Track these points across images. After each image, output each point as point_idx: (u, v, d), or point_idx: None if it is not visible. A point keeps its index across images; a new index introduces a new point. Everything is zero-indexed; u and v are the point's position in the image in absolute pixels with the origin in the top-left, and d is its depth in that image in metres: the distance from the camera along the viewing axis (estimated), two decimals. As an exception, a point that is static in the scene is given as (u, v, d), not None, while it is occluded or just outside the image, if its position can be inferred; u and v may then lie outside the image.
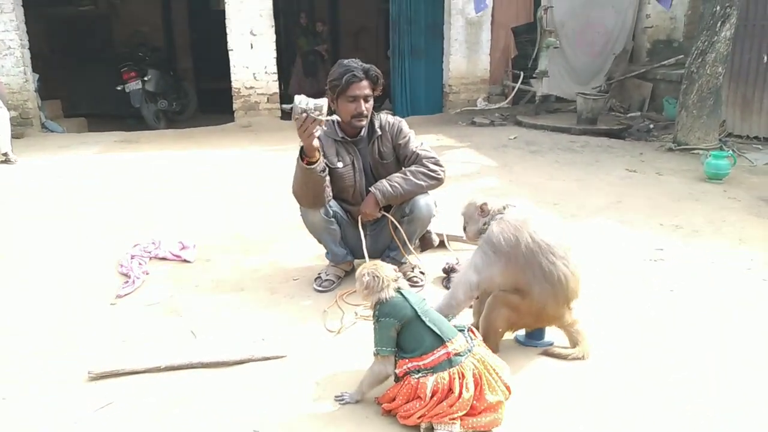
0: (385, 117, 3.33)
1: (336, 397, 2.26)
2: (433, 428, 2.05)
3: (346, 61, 3.18)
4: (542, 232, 2.44)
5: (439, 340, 2.14)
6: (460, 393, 2.07)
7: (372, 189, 3.18)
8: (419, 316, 2.17)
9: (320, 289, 3.30)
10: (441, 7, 9.83)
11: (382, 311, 2.17)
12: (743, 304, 3.06)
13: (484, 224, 2.53)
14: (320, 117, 2.80)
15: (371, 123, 3.27)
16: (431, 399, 2.06)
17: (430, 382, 2.07)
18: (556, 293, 2.44)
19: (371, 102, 3.20)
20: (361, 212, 3.24)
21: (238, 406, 2.28)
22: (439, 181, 3.23)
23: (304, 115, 2.79)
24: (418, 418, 2.07)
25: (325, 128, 3.23)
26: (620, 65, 9.75)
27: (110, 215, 4.64)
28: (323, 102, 2.82)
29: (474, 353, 2.19)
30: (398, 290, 2.22)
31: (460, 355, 2.14)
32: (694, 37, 7.00)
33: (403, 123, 3.32)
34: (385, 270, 2.24)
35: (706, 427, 2.10)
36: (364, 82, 3.12)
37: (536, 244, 2.40)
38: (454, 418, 2.04)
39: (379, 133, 3.25)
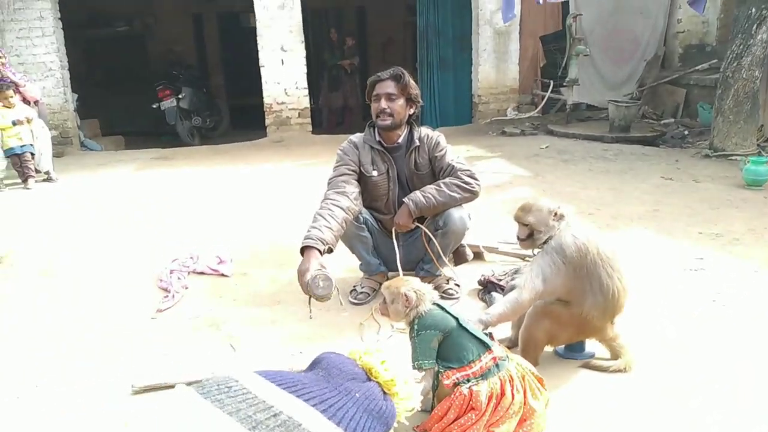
0: (425, 130, 3.35)
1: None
2: None
3: (383, 70, 3.27)
4: (604, 244, 2.42)
5: (484, 346, 2.14)
6: (513, 396, 2.06)
7: (405, 200, 3.20)
8: (462, 325, 2.16)
9: (355, 301, 3.32)
10: (469, 17, 9.84)
11: (422, 324, 2.16)
12: (790, 314, 2.97)
13: (557, 230, 2.43)
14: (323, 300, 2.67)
15: (410, 134, 3.29)
16: (487, 406, 2.04)
17: (484, 388, 2.05)
18: (606, 306, 2.41)
19: (399, 103, 3.20)
20: (394, 223, 3.26)
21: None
22: (473, 194, 3.23)
23: (324, 299, 2.65)
24: (477, 430, 2.02)
25: (352, 141, 3.32)
26: (652, 71, 9.61)
27: (149, 231, 4.74)
28: (333, 285, 2.64)
29: (511, 358, 2.19)
30: (434, 303, 2.23)
31: (504, 360, 2.14)
32: (727, 41, 6.88)
33: (441, 137, 3.33)
34: (418, 284, 2.25)
35: (755, 442, 2.05)
36: (388, 81, 3.18)
37: (600, 256, 2.37)
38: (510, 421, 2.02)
39: (417, 144, 3.27)
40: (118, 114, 11.29)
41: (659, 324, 2.92)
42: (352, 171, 3.26)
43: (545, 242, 2.44)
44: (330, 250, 2.90)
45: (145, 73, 11.92)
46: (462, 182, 3.20)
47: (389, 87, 3.18)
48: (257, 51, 9.24)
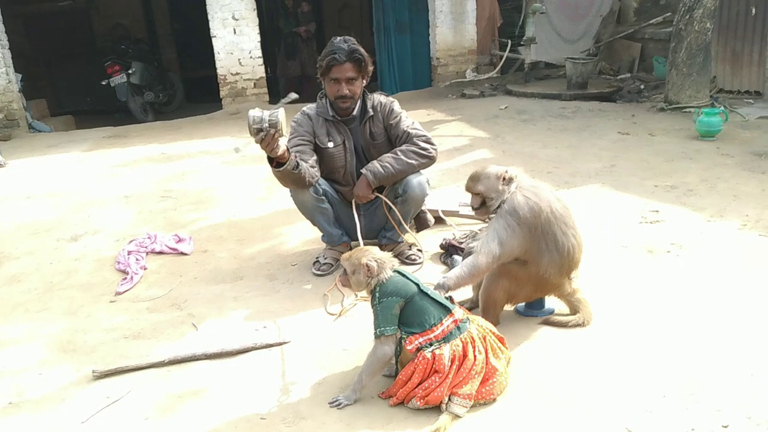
0: (378, 97, 3.31)
1: (330, 403, 2.17)
2: (450, 401, 2.06)
3: (336, 40, 3.15)
4: (556, 201, 2.43)
5: (445, 310, 2.16)
6: (475, 357, 2.10)
7: (363, 171, 3.17)
8: (423, 290, 2.17)
9: (319, 273, 3.30)
10: (424, -21, 9.69)
11: (383, 291, 2.16)
12: (740, 262, 3.07)
13: (507, 193, 2.43)
14: (278, 133, 2.69)
15: (363, 103, 3.24)
16: (450, 368, 2.07)
17: (446, 351, 2.08)
18: (562, 263, 2.45)
19: (358, 84, 3.16)
20: (354, 194, 3.23)
21: (243, 394, 2.30)
22: (430, 159, 3.21)
23: (262, 134, 2.68)
24: (441, 393, 2.06)
25: (305, 113, 3.23)
26: (608, 27, 9.64)
27: (104, 212, 4.62)
28: (279, 115, 2.69)
29: (472, 319, 2.22)
30: (394, 269, 2.22)
31: (465, 322, 2.16)
32: (680, -6, 6.91)
33: (395, 103, 3.30)
34: (378, 252, 2.24)
35: (701, 389, 2.12)
36: (347, 65, 3.08)
37: (553, 214, 2.39)
38: (473, 382, 2.07)
39: (371, 113, 3.23)
40: (66, 93, 10.88)
41: (616, 276, 2.99)
42: (307, 141, 3.21)
43: (499, 206, 2.45)
44: (295, 165, 2.92)
45: (92, 49, 11.46)
46: (419, 148, 3.18)
47: (349, 71, 3.10)
48: (208, 21, 8.95)
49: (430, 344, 2.11)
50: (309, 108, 3.30)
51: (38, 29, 11.39)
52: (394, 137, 3.25)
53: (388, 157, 3.17)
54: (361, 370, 2.20)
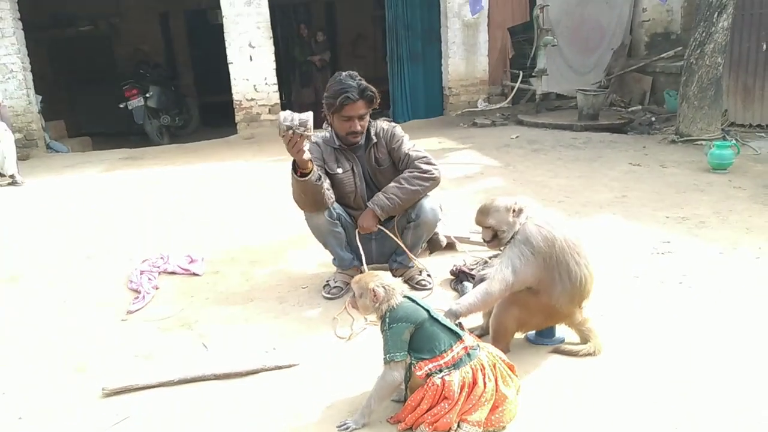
0: (380, 124, 3.36)
1: (338, 426, 2.15)
2: (459, 428, 2.05)
3: (342, 77, 3.17)
4: (569, 232, 2.44)
5: (455, 336, 2.16)
6: (485, 384, 2.09)
7: (370, 204, 3.22)
8: (433, 316, 2.18)
9: (329, 296, 3.31)
10: (437, 10, 9.85)
11: (393, 317, 2.16)
12: (753, 294, 3.05)
13: (519, 225, 2.44)
14: (306, 132, 2.79)
15: (367, 131, 3.29)
16: (460, 395, 2.06)
17: (456, 378, 2.07)
18: (574, 293, 2.45)
19: (367, 118, 3.22)
20: (359, 226, 3.27)
21: (252, 416, 2.29)
22: (434, 181, 3.24)
23: (290, 132, 2.78)
24: (450, 419, 2.04)
25: (314, 141, 3.26)
26: (619, 60, 9.74)
27: (118, 232, 4.67)
28: (308, 116, 2.80)
29: (482, 346, 2.21)
30: (404, 295, 2.23)
31: (475, 349, 2.16)
32: (691, 29, 6.99)
33: (396, 128, 3.34)
34: (388, 278, 2.25)
35: (715, 422, 2.10)
36: (359, 103, 3.12)
37: (567, 243, 2.40)
38: (482, 409, 2.06)
39: (375, 140, 3.29)
40: (85, 115, 11.08)
41: (628, 307, 2.98)
42: (319, 166, 3.25)
43: (512, 238, 2.46)
44: (318, 177, 3.03)
45: (111, 73, 11.70)
46: (420, 172, 3.20)
47: (361, 108, 3.15)
48: (225, 48, 9.14)
49: (440, 370, 2.10)
50: (317, 137, 3.33)
51: (60, 53, 11.68)
52: (396, 160, 3.29)
53: (392, 188, 3.19)
54: (370, 394, 2.19)
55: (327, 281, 3.42)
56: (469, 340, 2.19)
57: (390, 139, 3.29)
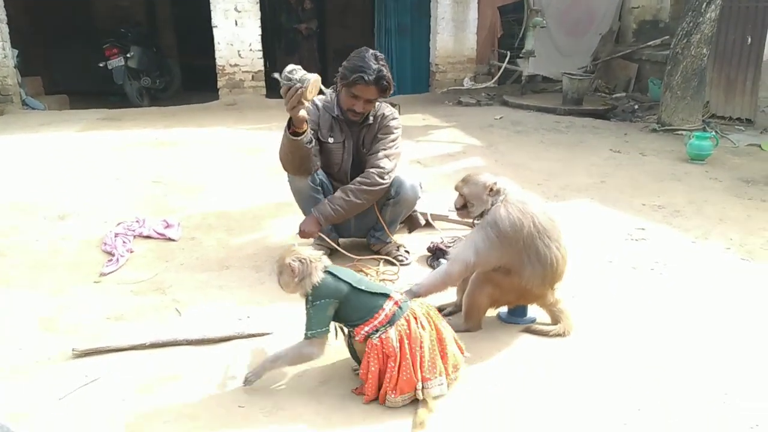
0: (383, 108, 3.30)
1: (245, 381, 2.21)
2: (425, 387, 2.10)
3: (368, 54, 3.10)
4: (541, 215, 2.46)
5: (384, 296, 2.19)
6: (420, 333, 2.14)
7: (314, 211, 3.19)
8: (355, 287, 2.18)
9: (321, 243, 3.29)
10: (428, -16, 9.74)
11: (316, 295, 2.15)
12: (722, 284, 3.12)
13: (491, 204, 2.47)
14: (302, 90, 2.76)
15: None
16: (402, 349, 2.10)
17: (392, 333, 2.12)
18: (545, 275, 2.48)
19: (374, 104, 3.18)
20: (300, 230, 3.24)
21: (223, 382, 2.30)
22: (377, 194, 3.21)
23: (288, 84, 2.76)
24: (408, 375, 2.08)
25: (314, 103, 3.22)
26: (606, 45, 9.75)
27: (93, 193, 4.60)
28: (311, 77, 2.77)
29: (413, 300, 2.29)
30: (326, 270, 2.21)
31: (406, 302, 2.21)
32: (680, 18, 7.01)
33: (393, 120, 3.29)
34: (307, 252, 2.22)
35: (676, 405, 2.16)
36: (372, 88, 3.07)
37: (536, 228, 2.42)
38: (433, 358, 2.14)
39: (370, 121, 3.26)
40: (62, 72, 10.77)
41: (600, 290, 3.03)
42: (312, 130, 3.22)
43: (482, 215, 2.49)
44: (309, 140, 3.03)
45: (91, 30, 11.37)
46: (369, 184, 3.16)
47: (372, 93, 3.10)
48: (210, 10, 8.94)
49: (376, 330, 2.13)
50: (320, 99, 3.29)
51: (38, 6, 11.30)
52: (372, 149, 3.27)
53: (339, 198, 3.16)
54: (278, 354, 2.22)
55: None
56: (397, 295, 2.23)
57: (381, 129, 3.26)
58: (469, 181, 2.55)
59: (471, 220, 2.61)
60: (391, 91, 3.17)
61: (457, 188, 2.59)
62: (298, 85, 2.75)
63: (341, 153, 3.29)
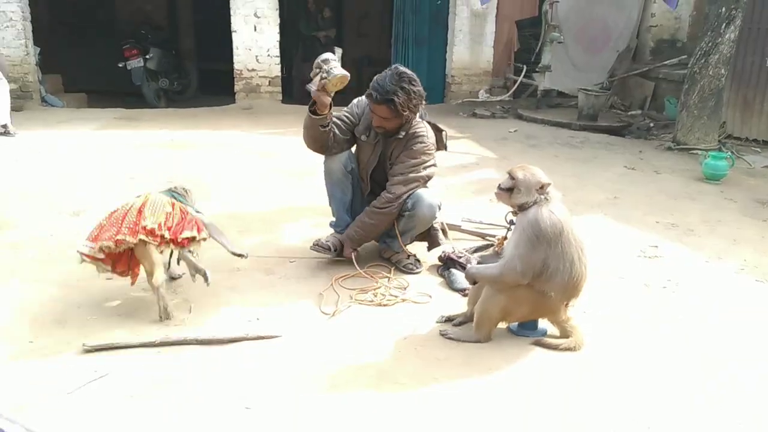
0: (416, 126, 3.28)
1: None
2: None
3: (389, 73, 3.12)
4: (576, 229, 2.47)
5: None
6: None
7: (343, 237, 3.34)
8: None
9: (317, 247, 3.31)
10: (446, -4, 9.78)
11: None
12: (735, 304, 3.09)
13: (533, 202, 2.46)
14: (324, 82, 2.96)
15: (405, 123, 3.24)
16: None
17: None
18: (569, 288, 2.47)
19: (392, 122, 3.18)
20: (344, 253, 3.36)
21: (230, 383, 2.30)
22: (388, 217, 3.29)
23: (319, 68, 2.95)
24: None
25: (365, 101, 3.30)
26: (623, 63, 9.73)
27: (107, 191, 4.63)
28: (338, 72, 2.95)
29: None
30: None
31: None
32: (697, 38, 6.99)
33: (420, 145, 3.26)
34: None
35: (686, 425, 2.13)
36: (382, 107, 3.10)
37: (574, 237, 2.43)
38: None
39: (401, 137, 3.26)
40: (82, 71, 10.90)
41: (611, 306, 3.01)
42: (349, 121, 3.35)
43: (522, 209, 2.47)
44: (326, 125, 3.20)
45: (112, 31, 11.51)
46: (378, 206, 3.27)
47: (383, 112, 3.13)
48: (230, 15, 9.03)
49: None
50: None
51: (62, 5, 11.46)
52: (394, 165, 3.30)
53: (359, 221, 3.33)
54: None
55: (319, 238, 3.40)
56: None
57: (407, 148, 3.26)
58: (526, 169, 2.53)
59: (490, 231, 2.60)
60: (407, 112, 3.12)
61: (511, 171, 2.55)
62: (324, 75, 2.93)
63: (369, 153, 3.35)
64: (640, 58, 9.85)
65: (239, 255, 2.91)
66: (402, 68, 3.17)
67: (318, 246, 3.32)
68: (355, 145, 3.44)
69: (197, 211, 2.97)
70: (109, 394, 2.22)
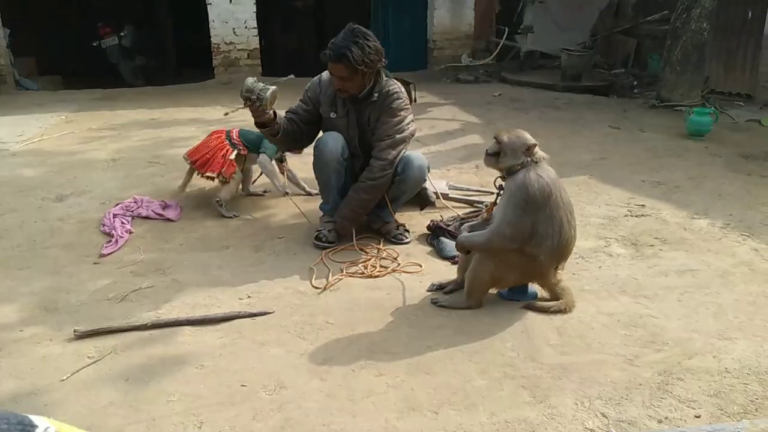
0: (389, 85, 3.23)
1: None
2: None
3: (344, 31, 3.09)
4: (565, 192, 2.46)
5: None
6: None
7: (337, 220, 3.31)
8: None
9: (321, 244, 3.29)
10: (425, -42, 9.59)
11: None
12: (721, 258, 3.12)
13: (520, 165, 2.45)
14: (261, 106, 2.99)
15: (372, 86, 3.19)
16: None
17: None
18: (559, 251, 2.48)
19: (355, 81, 3.10)
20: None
21: (225, 361, 2.31)
22: (383, 185, 3.24)
23: (248, 102, 2.99)
24: None
25: (316, 80, 3.32)
26: (605, 21, 9.64)
27: (89, 174, 4.57)
28: (268, 92, 2.97)
29: None
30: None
31: None
32: (680, -8, 6.91)
33: (398, 100, 3.21)
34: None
35: (674, 381, 2.17)
36: (338, 66, 3.04)
37: (562, 200, 2.43)
38: None
39: (374, 99, 3.20)
40: (55, 52, 10.65)
41: (601, 266, 3.03)
42: (306, 110, 3.31)
43: (510, 173, 2.46)
44: (275, 132, 3.20)
45: (84, 9, 11.22)
46: (371, 178, 3.20)
47: (339, 70, 3.06)
48: (204, -14, 8.81)
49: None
50: (326, 73, 3.28)
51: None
52: (376, 133, 3.23)
53: (350, 198, 3.28)
54: None
55: (319, 230, 3.37)
56: None
57: (386, 108, 3.20)
58: (512, 132, 2.52)
59: (477, 198, 2.59)
60: (366, 66, 3.05)
61: (497, 135, 2.54)
62: (257, 104, 2.98)
63: (345, 126, 3.28)
64: (623, 15, 9.75)
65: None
66: (355, 26, 3.13)
67: (320, 242, 3.30)
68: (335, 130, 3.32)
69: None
70: (104, 378, 2.22)
